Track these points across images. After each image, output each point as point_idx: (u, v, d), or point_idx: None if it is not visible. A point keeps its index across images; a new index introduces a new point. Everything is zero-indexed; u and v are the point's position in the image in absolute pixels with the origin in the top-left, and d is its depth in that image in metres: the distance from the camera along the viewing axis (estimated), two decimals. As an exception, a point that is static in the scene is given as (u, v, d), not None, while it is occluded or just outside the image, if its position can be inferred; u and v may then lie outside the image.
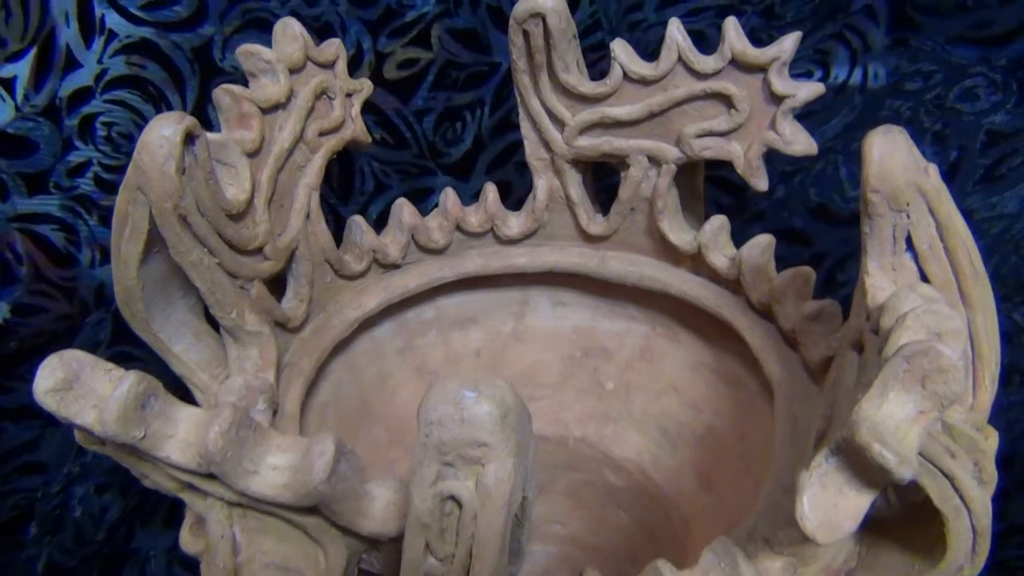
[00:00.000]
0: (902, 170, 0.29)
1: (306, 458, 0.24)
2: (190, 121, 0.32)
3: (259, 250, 0.37)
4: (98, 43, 0.45)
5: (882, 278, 0.31)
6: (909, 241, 0.30)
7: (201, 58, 0.47)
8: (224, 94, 0.37)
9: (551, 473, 0.48)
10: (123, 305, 0.36)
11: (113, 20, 0.45)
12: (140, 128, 0.48)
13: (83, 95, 0.46)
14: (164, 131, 0.31)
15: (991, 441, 0.27)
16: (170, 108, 0.48)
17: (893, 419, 0.23)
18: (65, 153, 0.47)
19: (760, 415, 0.43)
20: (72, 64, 0.45)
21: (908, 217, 0.30)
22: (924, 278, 0.30)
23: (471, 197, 0.46)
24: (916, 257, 0.30)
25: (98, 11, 0.45)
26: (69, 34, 0.45)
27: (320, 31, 0.49)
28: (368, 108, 0.51)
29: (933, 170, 0.30)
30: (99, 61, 0.46)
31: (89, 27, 0.45)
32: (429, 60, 0.51)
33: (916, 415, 0.23)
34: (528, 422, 0.24)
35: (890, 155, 0.29)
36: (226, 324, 0.37)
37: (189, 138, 0.32)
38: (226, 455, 0.24)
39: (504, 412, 0.21)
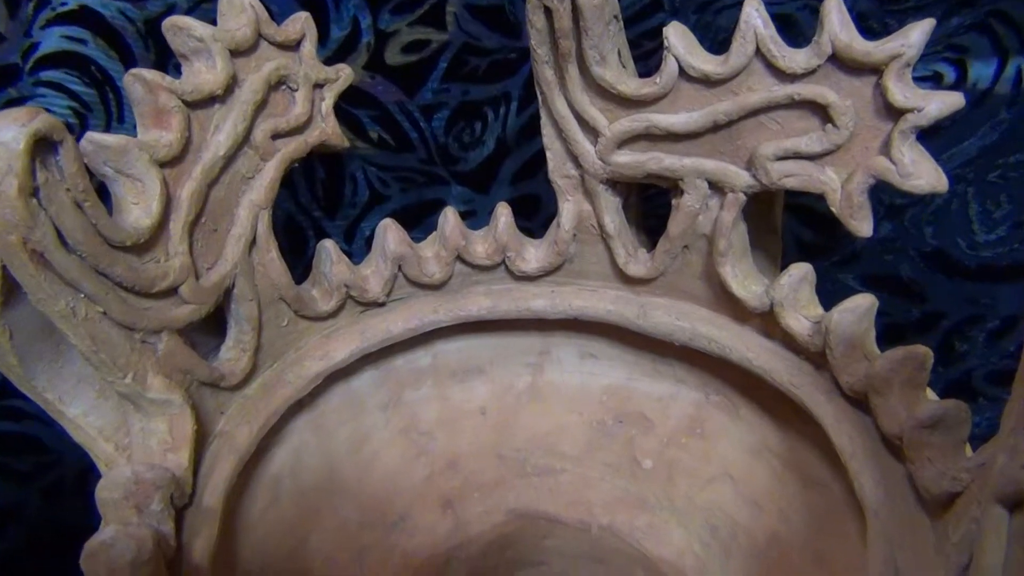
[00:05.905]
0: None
1: None
2: (44, 120, 0.22)
3: (172, 291, 0.28)
4: (26, 10, 0.36)
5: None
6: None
7: (157, 33, 0.38)
8: (135, 81, 0.28)
9: (568, 565, 0.40)
10: (-7, 357, 0.27)
11: (44, -19, 0.36)
12: (81, 118, 0.39)
13: (6, 75, 0.37)
14: (1, 136, 0.22)
15: None
16: (118, 94, 0.39)
17: None
18: (-18, 146, 0.38)
19: (845, 534, 0.33)
20: (-8, 36, 0.36)
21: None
22: None
23: (490, 214, 0.36)
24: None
25: (24, -30, 0.36)
26: (-12, -2, 0.36)
27: (308, 1, 0.39)
28: (364, 100, 0.42)
29: None
30: (27, 33, 0.37)
31: (14, -10, 0.36)
32: (442, 43, 0.41)
33: None
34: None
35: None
36: (120, 391, 0.27)
37: (46, 145, 0.23)
38: None
39: None
